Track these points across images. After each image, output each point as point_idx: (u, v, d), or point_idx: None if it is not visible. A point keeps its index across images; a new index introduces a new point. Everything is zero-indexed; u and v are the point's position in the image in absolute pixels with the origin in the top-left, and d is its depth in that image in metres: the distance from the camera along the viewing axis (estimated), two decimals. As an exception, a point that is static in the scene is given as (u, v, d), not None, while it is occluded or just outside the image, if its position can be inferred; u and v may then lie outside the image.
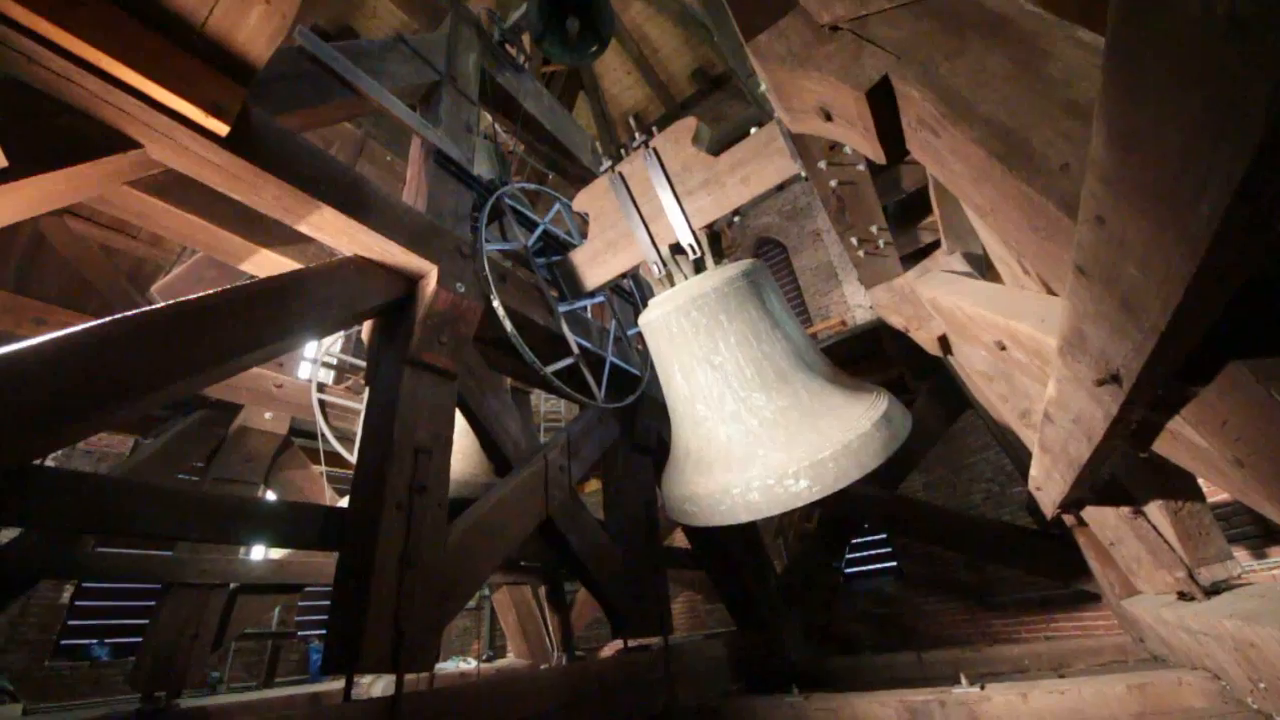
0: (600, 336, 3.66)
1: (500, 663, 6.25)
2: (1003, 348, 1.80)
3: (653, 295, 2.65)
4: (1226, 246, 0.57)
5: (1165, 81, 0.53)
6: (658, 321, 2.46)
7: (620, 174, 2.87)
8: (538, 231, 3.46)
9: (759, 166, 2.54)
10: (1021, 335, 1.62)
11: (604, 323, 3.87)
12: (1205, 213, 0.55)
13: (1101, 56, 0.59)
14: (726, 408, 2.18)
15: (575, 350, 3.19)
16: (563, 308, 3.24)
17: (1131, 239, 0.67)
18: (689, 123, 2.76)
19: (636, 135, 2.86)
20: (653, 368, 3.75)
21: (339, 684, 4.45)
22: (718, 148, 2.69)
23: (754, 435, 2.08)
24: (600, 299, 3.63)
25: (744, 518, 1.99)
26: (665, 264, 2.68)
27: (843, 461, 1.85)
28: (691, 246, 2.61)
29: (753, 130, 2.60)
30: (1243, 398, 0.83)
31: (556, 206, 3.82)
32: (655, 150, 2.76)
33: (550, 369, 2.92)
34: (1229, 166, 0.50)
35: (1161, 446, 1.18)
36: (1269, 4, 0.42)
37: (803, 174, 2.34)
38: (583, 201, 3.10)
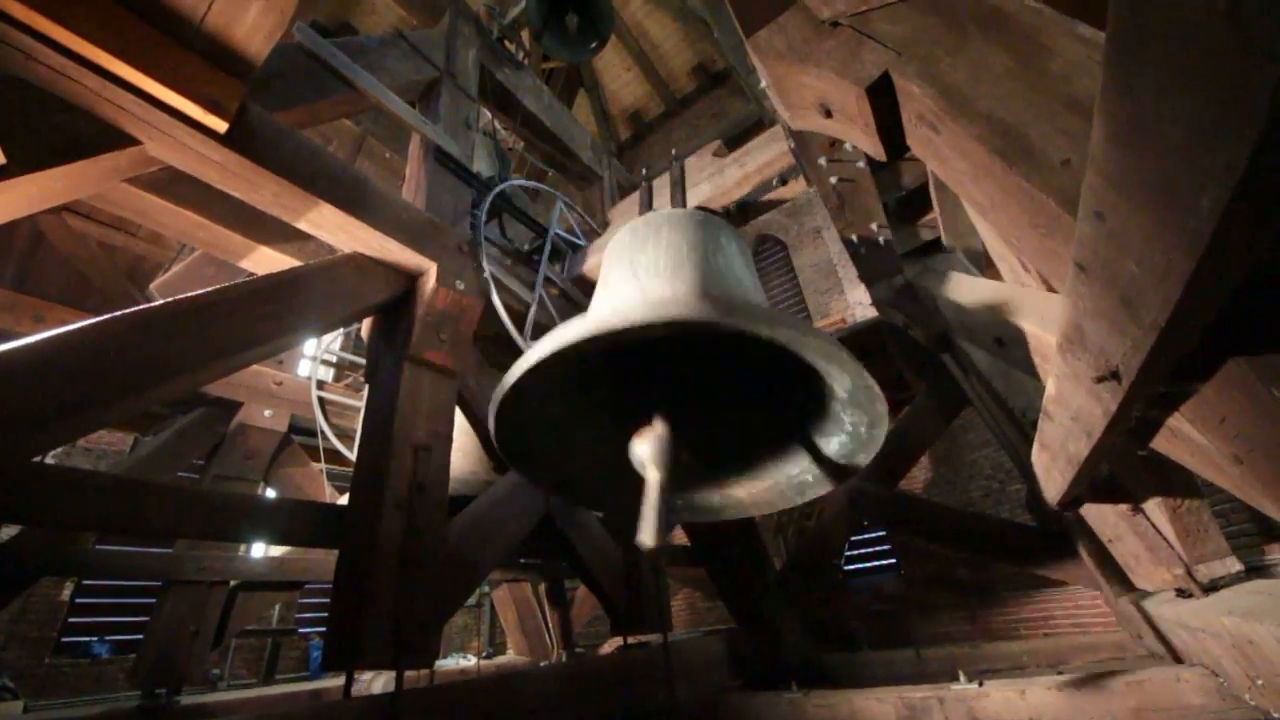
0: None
1: (500, 660, 6.27)
2: (1002, 344, 1.80)
3: None
4: (1227, 242, 0.57)
5: (1166, 76, 0.53)
6: (604, 254, 2.18)
7: (650, 184, 3.02)
8: (546, 236, 3.47)
9: (755, 154, 2.74)
10: (1021, 332, 1.62)
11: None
12: (1205, 208, 0.55)
13: (1102, 52, 0.59)
14: (622, 292, 1.77)
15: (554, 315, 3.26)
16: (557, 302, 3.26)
17: (1131, 235, 0.67)
18: (715, 144, 3.14)
19: (674, 152, 3.14)
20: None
21: (339, 681, 4.45)
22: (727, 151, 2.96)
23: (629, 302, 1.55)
24: None
25: (572, 338, 1.32)
26: None
27: (719, 298, 1.36)
28: None
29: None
30: (1242, 395, 0.83)
31: (560, 207, 3.83)
32: (682, 164, 2.96)
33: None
34: (1229, 161, 0.50)
35: (1160, 444, 1.18)
36: (1270, -2, 0.42)
37: (791, 145, 2.42)
38: (612, 214, 3.38)
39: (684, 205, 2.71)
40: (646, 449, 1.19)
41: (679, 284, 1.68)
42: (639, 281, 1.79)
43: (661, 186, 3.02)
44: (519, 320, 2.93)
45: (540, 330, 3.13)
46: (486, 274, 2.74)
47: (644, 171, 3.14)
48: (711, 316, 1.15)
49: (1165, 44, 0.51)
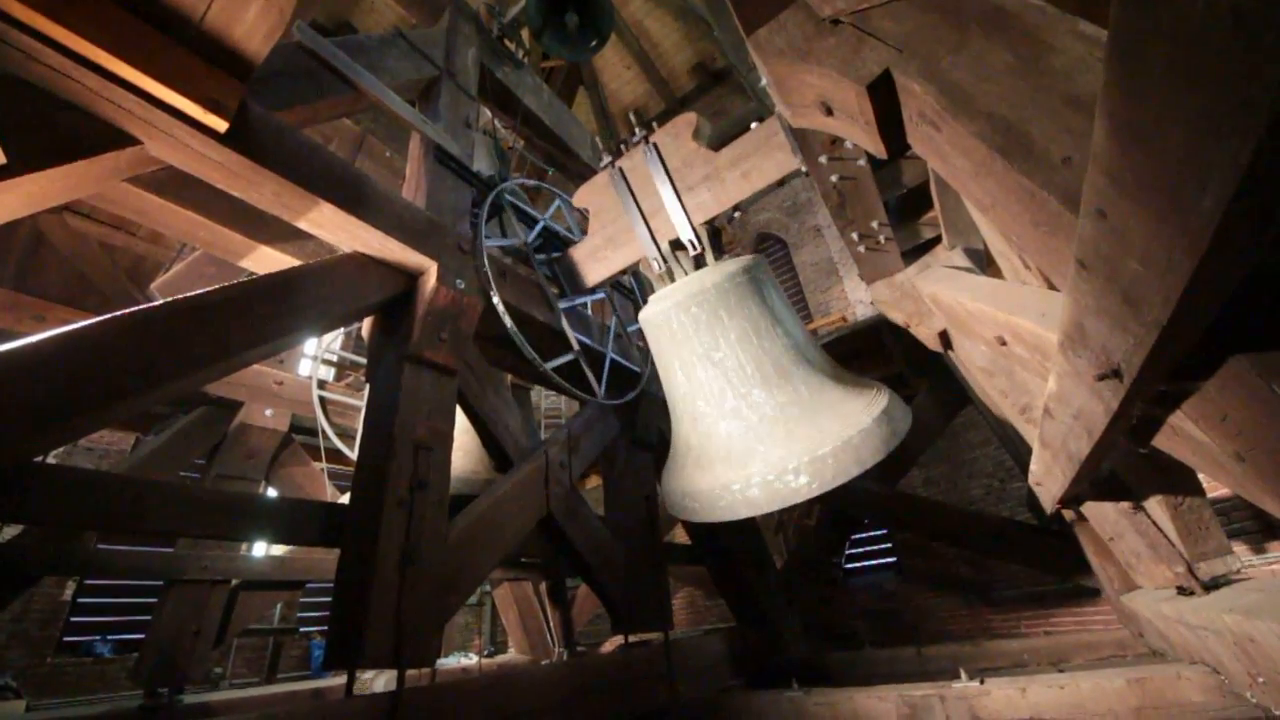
0: (601, 333, 3.66)
1: (501, 658, 6.28)
2: (1003, 343, 1.79)
3: (653, 291, 2.65)
4: (1228, 240, 0.57)
5: (1168, 74, 0.52)
6: (658, 318, 2.45)
7: (620, 169, 2.87)
8: (537, 228, 3.46)
9: (759, 161, 2.54)
10: (1022, 330, 1.61)
11: (604, 319, 3.87)
12: (1207, 206, 0.55)
13: (1104, 49, 0.59)
14: (727, 404, 2.18)
15: (575, 346, 3.19)
16: (563, 304, 3.24)
17: (1133, 233, 0.67)
18: (689, 117, 2.76)
19: (637, 130, 2.85)
20: (653, 364, 3.75)
21: (341, 680, 4.47)
22: (718, 142, 2.69)
23: (754, 431, 2.08)
24: (601, 295, 3.64)
25: (744, 513, 1.99)
26: (665, 260, 2.68)
27: (842, 457, 1.86)
28: (691, 242, 2.61)
29: (754, 125, 2.60)
30: (1244, 392, 0.83)
31: (557, 203, 3.82)
32: (655, 145, 2.76)
33: (550, 364, 2.91)
34: (1232, 160, 0.50)
35: (1162, 441, 1.17)
36: (1273, -5, 0.42)
37: (803, 169, 2.34)
38: (583, 197, 3.10)
39: (680, 204, 2.66)
40: None
41: (784, 399, 2.08)
42: (736, 389, 2.17)
43: (632, 169, 2.85)
44: (520, 318, 2.92)
45: (548, 333, 3.12)
46: (487, 272, 2.74)
47: (608, 158, 2.96)
48: (857, 470, 1.84)
49: (1168, 41, 0.51)
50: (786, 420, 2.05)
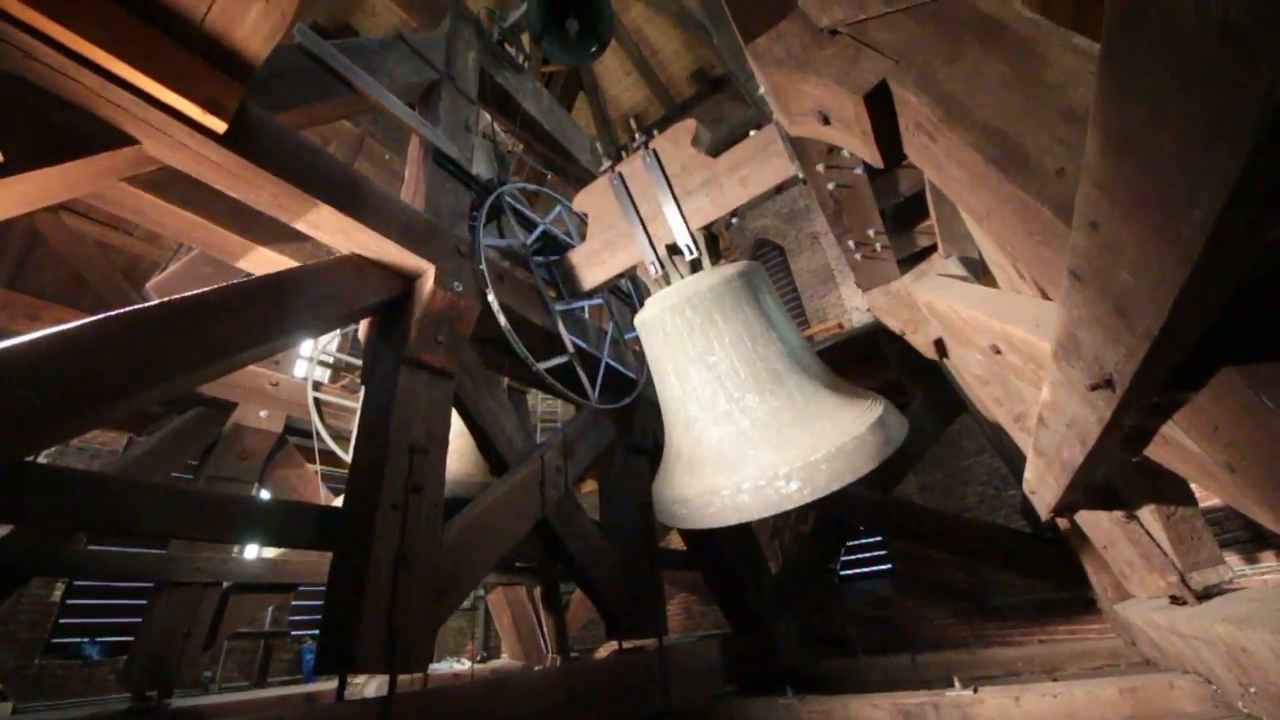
0: (598, 338, 3.66)
1: (494, 664, 6.24)
2: (998, 351, 1.80)
3: (649, 295, 2.65)
4: (1219, 252, 0.58)
5: (1160, 87, 0.53)
6: (653, 320, 2.44)
7: (620, 174, 2.88)
8: (536, 232, 3.46)
9: (757, 167, 2.55)
10: (1016, 339, 1.62)
11: (602, 324, 3.87)
12: (1199, 218, 0.55)
13: (1097, 62, 0.60)
14: (719, 408, 2.14)
15: (570, 349, 3.18)
16: (560, 307, 3.24)
17: (1125, 244, 0.68)
18: (688, 124, 2.77)
19: (637, 136, 2.87)
20: (649, 369, 3.76)
21: (332, 684, 4.43)
22: (717, 149, 2.70)
23: (746, 436, 2.05)
24: (599, 300, 3.64)
25: (733, 519, 1.95)
26: (662, 264, 2.68)
27: (835, 464, 1.82)
28: (689, 247, 2.62)
29: (752, 133, 2.61)
30: (1235, 403, 0.84)
31: (558, 209, 3.83)
32: (655, 151, 2.78)
33: (544, 365, 2.90)
34: (1222, 172, 0.50)
35: (1154, 451, 1.18)
36: (1263, 10, 0.42)
37: (800, 175, 2.35)
38: (582, 202, 3.11)
39: (678, 208, 2.67)
40: None
41: (777, 404, 2.07)
42: (729, 394, 2.15)
43: (632, 175, 2.86)
44: (517, 321, 2.92)
45: (544, 336, 3.12)
46: (484, 274, 2.74)
47: (608, 163, 2.98)
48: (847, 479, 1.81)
49: (1160, 55, 0.52)
50: (779, 425, 2.01)
